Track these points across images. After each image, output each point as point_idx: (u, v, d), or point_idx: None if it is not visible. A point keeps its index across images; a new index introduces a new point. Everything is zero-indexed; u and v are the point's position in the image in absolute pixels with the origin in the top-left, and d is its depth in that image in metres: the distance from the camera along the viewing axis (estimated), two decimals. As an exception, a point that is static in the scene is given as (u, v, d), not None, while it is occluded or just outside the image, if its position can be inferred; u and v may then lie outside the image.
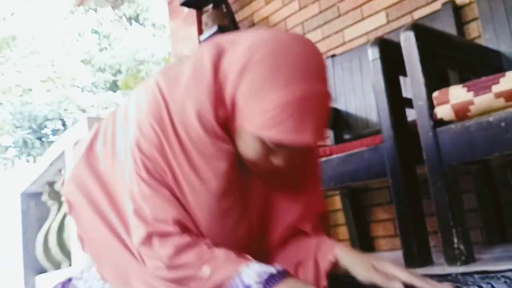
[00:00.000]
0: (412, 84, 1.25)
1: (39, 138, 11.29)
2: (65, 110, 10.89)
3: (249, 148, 0.86)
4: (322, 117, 0.84)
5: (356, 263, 0.89)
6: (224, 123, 0.86)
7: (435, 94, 1.21)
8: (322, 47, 2.40)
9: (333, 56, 2.24)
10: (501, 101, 1.10)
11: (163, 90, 0.87)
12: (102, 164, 1.00)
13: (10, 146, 11.50)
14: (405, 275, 0.85)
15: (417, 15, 1.99)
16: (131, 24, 12.36)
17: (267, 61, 0.80)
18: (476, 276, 0.98)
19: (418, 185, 1.34)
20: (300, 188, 0.99)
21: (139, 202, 0.87)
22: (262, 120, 0.80)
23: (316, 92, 0.82)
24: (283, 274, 0.82)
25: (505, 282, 0.87)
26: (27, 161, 8.65)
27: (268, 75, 0.80)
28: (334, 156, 1.52)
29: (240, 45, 0.84)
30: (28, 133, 11.11)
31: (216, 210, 0.88)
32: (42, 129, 11.31)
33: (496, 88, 1.10)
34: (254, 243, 0.96)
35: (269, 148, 0.85)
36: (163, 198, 0.86)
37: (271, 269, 0.82)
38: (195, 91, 0.84)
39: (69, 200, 1.05)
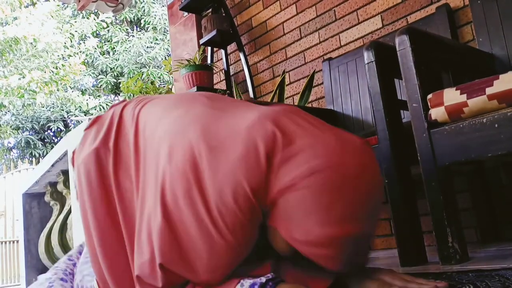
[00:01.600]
0: (407, 86, 1.27)
1: (42, 139, 11.30)
2: (67, 112, 10.89)
3: (277, 244, 0.86)
4: (359, 253, 0.85)
5: (352, 275, 0.91)
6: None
7: (430, 96, 1.23)
8: (319, 50, 2.42)
9: (330, 59, 2.27)
10: (494, 103, 1.11)
11: (202, 158, 0.82)
12: (111, 169, 1.00)
13: (13, 147, 11.51)
14: (400, 282, 0.88)
15: (412, 19, 2.01)
16: (132, 28, 12.38)
17: (327, 189, 0.77)
18: (470, 274, 0.98)
19: (413, 185, 1.35)
20: None
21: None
22: (301, 240, 0.79)
23: (365, 232, 0.81)
24: (274, 281, 0.84)
25: (499, 280, 0.87)
26: (30, 162, 8.65)
27: (323, 204, 0.76)
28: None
29: (301, 153, 0.79)
30: (30, 134, 11.12)
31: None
32: (45, 130, 11.32)
33: (489, 90, 1.12)
34: None
35: (297, 251, 0.83)
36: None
37: (261, 280, 0.83)
38: (242, 176, 0.79)
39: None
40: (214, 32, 2.68)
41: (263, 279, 0.84)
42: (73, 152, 1.12)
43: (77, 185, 1.08)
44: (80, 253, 1.25)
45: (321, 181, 0.77)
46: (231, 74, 2.93)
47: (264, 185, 0.80)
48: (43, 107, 10.58)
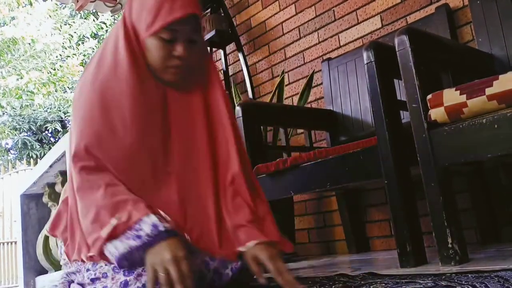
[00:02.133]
0: (406, 87, 1.27)
1: (39, 140, 11.28)
2: (64, 113, 10.87)
3: (154, 53, 1.08)
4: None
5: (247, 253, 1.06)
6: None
7: (429, 96, 1.23)
8: (318, 50, 2.42)
9: (329, 59, 2.26)
10: (494, 104, 1.11)
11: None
12: None
13: (10, 148, 11.49)
14: (271, 265, 1.01)
15: (411, 19, 2.01)
16: (130, 28, 12.34)
17: None
18: (470, 275, 0.98)
19: (412, 186, 1.35)
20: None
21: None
22: (149, 19, 1.05)
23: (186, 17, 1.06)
24: (170, 233, 0.98)
25: (499, 281, 0.87)
26: (28, 163, 8.63)
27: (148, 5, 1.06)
28: (330, 157, 1.53)
29: None
30: (28, 135, 11.10)
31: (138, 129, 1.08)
32: (42, 131, 11.30)
33: (489, 91, 1.12)
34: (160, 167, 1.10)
35: (167, 44, 1.07)
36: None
37: (162, 227, 0.97)
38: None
39: None
40: (213, 32, 2.67)
41: (162, 228, 0.98)
42: None
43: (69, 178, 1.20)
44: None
45: None
46: (230, 74, 2.93)
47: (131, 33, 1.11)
48: (40, 108, 10.56)
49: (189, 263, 0.97)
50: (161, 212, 1.01)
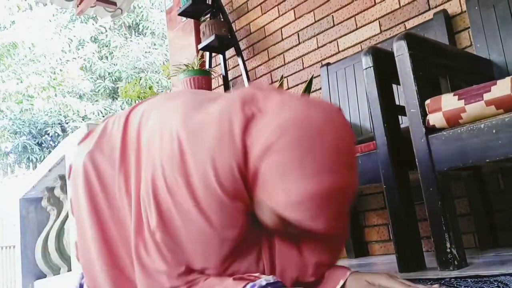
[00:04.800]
0: (405, 92, 1.27)
1: (39, 144, 11.27)
2: (65, 117, 10.88)
3: (266, 217, 0.88)
4: (345, 206, 0.86)
5: (352, 283, 0.94)
6: (244, 186, 0.85)
7: (427, 101, 1.23)
8: (317, 55, 2.43)
9: (328, 64, 2.27)
10: (492, 109, 1.12)
11: (182, 144, 0.86)
12: (108, 174, 1.02)
13: (10, 152, 11.47)
14: (400, 286, 0.90)
15: (410, 24, 2.02)
16: (130, 33, 12.40)
17: (297, 146, 0.78)
18: (469, 280, 0.98)
19: (411, 191, 1.35)
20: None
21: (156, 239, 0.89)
22: (284, 201, 0.79)
23: (343, 184, 0.80)
24: (277, 283, 0.87)
25: (498, 286, 0.87)
26: (27, 166, 8.62)
27: (296, 161, 0.77)
28: (329, 162, 1.54)
29: (269, 116, 0.82)
30: (28, 139, 11.09)
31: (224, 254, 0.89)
32: (42, 135, 11.29)
33: (487, 96, 1.12)
34: None
35: (286, 220, 0.84)
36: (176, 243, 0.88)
37: (261, 283, 0.86)
38: (220, 154, 0.82)
39: (72, 200, 1.07)
40: (212, 37, 2.68)
41: (263, 282, 0.85)
42: (70, 166, 1.14)
43: (72, 193, 1.08)
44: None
45: (291, 138, 0.78)
46: (229, 79, 2.93)
47: (243, 157, 0.82)
48: (40, 111, 10.57)
49: None
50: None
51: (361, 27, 2.23)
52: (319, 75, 2.33)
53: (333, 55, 2.34)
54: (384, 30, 2.14)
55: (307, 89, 2.31)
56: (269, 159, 0.79)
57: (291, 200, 0.78)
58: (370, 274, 0.95)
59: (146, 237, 0.90)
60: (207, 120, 0.87)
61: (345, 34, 2.30)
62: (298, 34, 2.54)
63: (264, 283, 0.85)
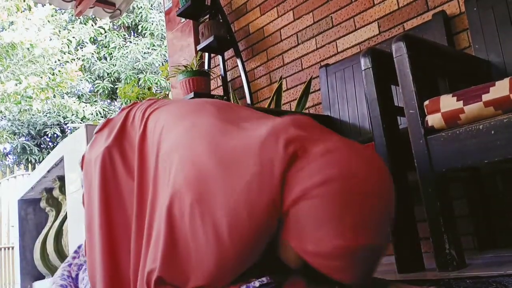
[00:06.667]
0: (404, 93, 1.27)
1: (38, 145, 11.26)
2: (64, 118, 10.86)
3: (286, 258, 0.86)
4: (376, 263, 0.85)
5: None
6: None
7: (426, 102, 1.24)
8: (316, 56, 2.43)
9: (327, 65, 2.27)
10: (490, 110, 1.12)
11: (211, 177, 0.83)
12: (123, 176, 1.03)
13: (9, 153, 11.46)
14: None
15: (408, 25, 2.02)
16: (129, 34, 12.40)
17: (338, 198, 0.77)
18: (467, 281, 0.98)
19: (409, 192, 1.35)
20: None
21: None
22: (314, 250, 0.78)
23: (376, 245, 0.79)
24: (269, 286, 0.87)
25: (496, 287, 0.88)
26: (26, 167, 8.61)
27: (335, 213, 0.76)
28: (328, 163, 1.54)
29: (313, 161, 0.80)
30: (27, 140, 11.08)
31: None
32: (41, 136, 11.28)
33: (486, 97, 1.12)
34: None
35: (309, 265, 0.82)
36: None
37: (254, 284, 0.86)
38: (258, 190, 0.80)
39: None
40: (211, 38, 2.68)
41: (256, 283, 0.86)
42: (83, 156, 1.14)
43: (85, 185, 1.09)
44: (76, 252, 1.25)
45: (333, 190, 0.76)
46: (228, 80, 2.93)
47: (279, 199, 0.80)
48: (39, 112, 10.56)
49: None
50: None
51: (360, 28, 2.23)
52: (318, 76, 2.33)
53: (332, 56, 2.35)
54: (383, 31, 2.14)
55: (306, 90, 2.31)
56: (305, 204, 0.77)
57: (320, 251, 0.77)
58: (392, 282, 0.95)
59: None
60: (243, 153, 0.83)
61: (344, 35, 2.30)
62: (297, 35, 2.54)
63: (257, 284, 0.85)
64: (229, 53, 2.92)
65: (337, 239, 0.76)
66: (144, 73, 11.11)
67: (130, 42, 11.75)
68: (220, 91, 2.94)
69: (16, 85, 9.59)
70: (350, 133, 2.07)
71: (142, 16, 11.87)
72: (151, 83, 10.51)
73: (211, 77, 2.87)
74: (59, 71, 10.37)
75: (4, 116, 10.42)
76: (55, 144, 11.28)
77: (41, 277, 2.80)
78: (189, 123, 0.96)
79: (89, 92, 11.86)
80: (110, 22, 10.75)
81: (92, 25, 10.94)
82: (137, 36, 12.28)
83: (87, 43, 11.12)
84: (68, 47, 10.58)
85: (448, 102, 1.19)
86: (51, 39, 10.16)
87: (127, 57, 11.33)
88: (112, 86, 11.48)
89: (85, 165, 1.12)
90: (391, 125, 1.37)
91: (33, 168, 8.36)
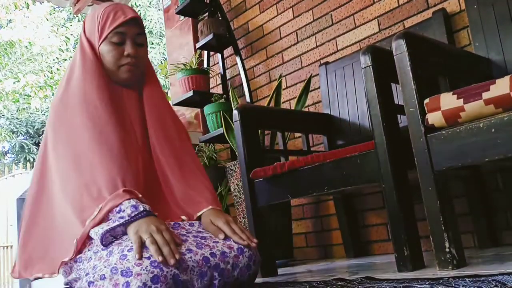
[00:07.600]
0: (404, 91, 1.27)
1: (37, 144, 11.24)
2: (61, 116, 10.83)
3: (107, 56, 1.28)
4: (124, 9, 1.30)
5: (204, 218, 1.23)
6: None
7: (426, 101, 1.23)
8: (315, 54, 2.43)
9: (327, 63, 2.27)
10: (491, 108, 1.12)
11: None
12: None
13: (7, 152, 11.45)
14: (228, 230, 1.17)
15: (409, 23, 2.02)
16: (128, 31, 12.35)
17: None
18: (468, 279, 0.97)
19: (410, 190, 1.35)
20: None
21: None
22: (99, 29, 1.27)
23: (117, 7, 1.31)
24: (148, 213, 1.11)
25: (496, 285, 0.87)
26: (24, 166, 8.61)
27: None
28: (327, 161, 1.53)
29: None
30: (25, 139, 11.07)
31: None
32: (40, 134, 11.27)
33: (486, 95, 1.12)
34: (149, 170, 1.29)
35: (117, 46, 1.27)
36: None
37: (140, 208, 1.11)
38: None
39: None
40: (210, 36, 2.68)
41: (142, 208, 1.11)
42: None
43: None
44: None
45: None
46: (227, 78, 2.93)
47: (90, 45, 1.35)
48: (38, 111, 10.54)
49: (171, 233, 1.09)
50: (139, 195, 1.15)
51: (359, 25, 2.23)
52: (318, 74, 2.33)
53: (332, 53, 2.34)
54: (383, 29, 2.13)
55: (306, 88, 2.31)
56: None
57: (99, 24, 1.30)
58: (216, 215, 1.21)
59: None
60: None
61: (344, 33, 2.29)
62: (296, 32, 2.53)
63: (142, 209, 1.11)
64: (228, 51, 2.91)
65: (97, 16, 1.35)
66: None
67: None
68: (219, 89, 2.94)
69: (15, 83, 9.58)
70: (350, 131, 2.07)
71: (140, 13, 11.85)
72: (150, 81, 10.45)
73: (210, 75, 2.87)
74: (57, 69, 10.35)
75: (3, 115, 10.41)
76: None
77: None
78: None
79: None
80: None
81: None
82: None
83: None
84: (67, 44, 10.56)
85: (449, 100, 1.19)
86: (49, 37, 10.14)
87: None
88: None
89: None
90: (391, 123, 1.37)
91: (32, 167, 8.34)
